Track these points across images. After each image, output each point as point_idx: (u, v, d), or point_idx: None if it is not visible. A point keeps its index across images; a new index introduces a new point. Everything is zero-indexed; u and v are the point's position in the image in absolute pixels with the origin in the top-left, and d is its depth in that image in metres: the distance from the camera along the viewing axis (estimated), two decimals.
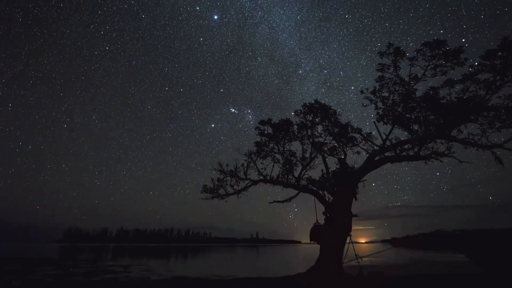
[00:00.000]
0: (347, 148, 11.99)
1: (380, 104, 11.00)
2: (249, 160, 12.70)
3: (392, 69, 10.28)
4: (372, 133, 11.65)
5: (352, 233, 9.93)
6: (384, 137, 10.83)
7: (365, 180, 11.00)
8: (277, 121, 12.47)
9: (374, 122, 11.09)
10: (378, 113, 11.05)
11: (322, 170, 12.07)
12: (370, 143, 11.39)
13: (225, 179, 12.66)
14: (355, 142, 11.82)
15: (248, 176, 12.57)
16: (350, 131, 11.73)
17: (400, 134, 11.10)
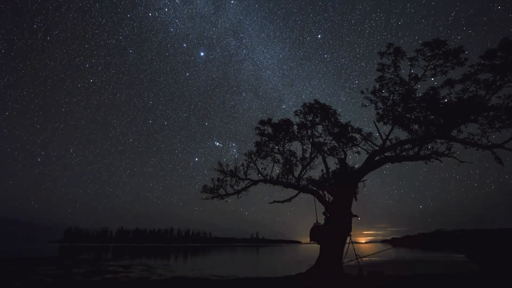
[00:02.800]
0: (347, 148, 11.98)
1: (380, 104, 11.00)
2: (249, 160, 12.70)
3: (392, 69, 10.27)
4: (372, 133, 11.65)
5: (352, 233, 9.94)
6: (384, 137, 10.83)
7: (365, 180, 11.01)
8: (277, 121, 12.47)
9: (374, 122, 11.10)
10: (378, 113, 11.04)
11: (322, 170, 12.08)
12: (370, 143, 11.39)
13: (225, 179, 12.66)
14: (355, 142, 11.81)
15: (248, 176, 12.58)
16: (350, 131, 11.72)
17: (400, 134, 11.10)
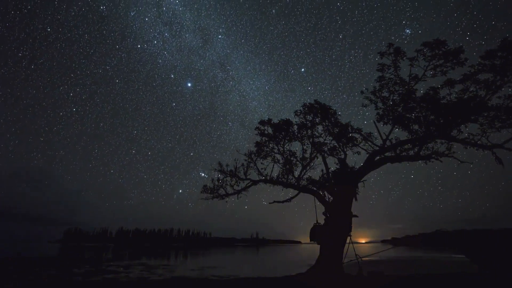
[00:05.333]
0: (347, 148, 11.97)
1: (380, 104, 11.00)
2: (249, 160, 12.70)
3: (392, 69, 10.27)
4: (372, 133, 11.64)
5: (352, 233, 9.93)
6: (384, 137, 10.82)
7: (365, 180, 11.00)
8: (277, 121, 12.47)
9: (374, 122, 11.09)
10: (378, 113, 11.04)
11: (322, 170, 12.07)
12: (370, 143, 11.38)
13: (225, 179, 12.66)
14: (355, 142, 11.80)
15: (248, 176, 12.57)
16: (350, 131, 11.71)
17: (400, 134, 11.09)
